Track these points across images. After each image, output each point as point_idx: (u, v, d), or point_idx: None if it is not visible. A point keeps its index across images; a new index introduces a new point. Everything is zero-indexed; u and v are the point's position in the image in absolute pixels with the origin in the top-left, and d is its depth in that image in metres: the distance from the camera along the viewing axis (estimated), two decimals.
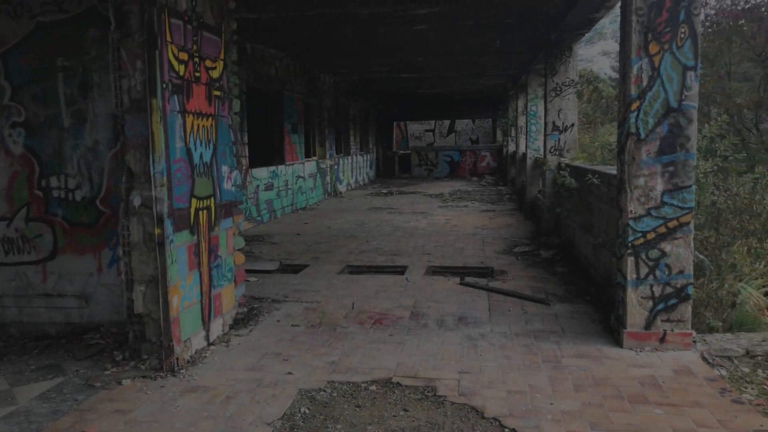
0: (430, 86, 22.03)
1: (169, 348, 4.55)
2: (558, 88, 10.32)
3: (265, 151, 14.44)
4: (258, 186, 12.89)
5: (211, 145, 5.12)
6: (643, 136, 4.75)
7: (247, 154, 12.32)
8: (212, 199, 5.16)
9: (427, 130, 33.58)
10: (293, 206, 15.14)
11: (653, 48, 4.67)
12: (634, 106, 4.74)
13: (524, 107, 17.44)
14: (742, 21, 8.36)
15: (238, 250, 5.88)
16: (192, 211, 4.80)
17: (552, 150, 10.35)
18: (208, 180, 5.07)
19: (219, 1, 5.22)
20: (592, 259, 7.28)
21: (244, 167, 12.00)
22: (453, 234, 10.78)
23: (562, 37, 9.80)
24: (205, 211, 5.02)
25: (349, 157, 21.51)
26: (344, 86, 20.50)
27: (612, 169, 6.88)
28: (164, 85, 4.35)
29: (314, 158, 17.26)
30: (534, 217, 12.75)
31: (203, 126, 4.97)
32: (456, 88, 22.89)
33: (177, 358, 4.58)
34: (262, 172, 13.18)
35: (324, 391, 4.11)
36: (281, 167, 14.37)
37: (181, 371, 4.54)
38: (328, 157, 18.38)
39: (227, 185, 5.47)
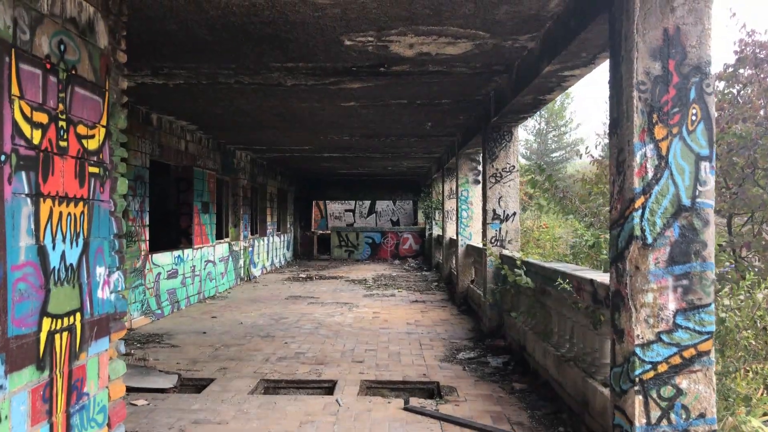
0: (353, 166, 21.22)
1: None
2: (498, 174, 9.52)
3: (171, 233, 12.85)
4: (159, 274, 11.23)
5: (81, 240, 3.72)
6: (650, 240, 3.76)
7: (148, 238, 10.74)
8: (78, 314, 3.70)
9: (347, 210, 32.66)
10: (201, 295, 13.44)
11: (660, 132, 3.77)
12: (639, 202, 3.78)
13: (451, 191, 16.79)
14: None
15: (117, 378, 4.36)
16: (43, 336, 3.33)
17: (493, 240, 9.42)
18: (72, 289, 3.63)
19: (102, 50, 3.96)
20: (555, 373, 6.19)
21: (143, 253, 10.40)
22: (385, 333, 9.50)
23: (503, 121, 9.08)
24: (65, 334, 3.55)
25: (266, 238, 20.05)
26: (262, 163, 19.30)
27: (580, 271, 5.91)
28: (3, 158, 2.98)
29: (227, 240, 15.73)
30: (470, 310, 11.71)
31: (70, 214, 3.58)
32: (378, 168, 22.21)
33: None
34: (164, 258, 11.55)
35: None
36: (188, 251, 12.76)
37: None
38: (242, 238, 16.88)
39: (103, 293, 4.03)
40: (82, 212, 3.73)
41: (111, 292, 4.14)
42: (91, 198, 3.83)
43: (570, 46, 5.24)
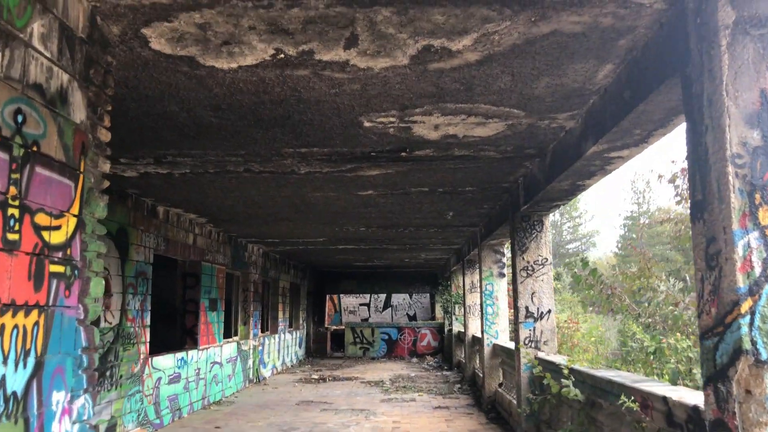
0: (368, 258, 20.49)
1: None
2: (530, 268, 8.69)
3: (175, 332, 11.99)
4: (160, 379, 10.28)
5: (32, 360, 2.92)
6: (764, 356, 2.90)
7: (149, 340, 9.89)
8: None
9: (362, 304, 31.57)
10: (205, 400, 12.38)
11: (766, 215, 2.99)
12: (745, 306, 2.94)
13: (472, 284, 15.91)
14: None
15: None
16: None
17: (527, 341, 8.47)
18: (14, 425, 2.80)
19: (78, 126, 3.31)
20: None
21: (141, 356, 9.52)
22: None
23: (534, 210, 8.36)
24: None
25: (277, 336, 19.04)
26: (275, 257, 18.63)
27: (645, 384, 4.96)
28: None
29: (235, 339, 14.79)
30: (499, 418, 10.56)
31: (17, 327, 2.81)
32: (395, 260, 21.46)
33: None
34: (166, 361, 10.63)
35: None
36: (193, 353, 11.84)
37: None
38: (251, 337, 15.92)
39: (60, 425, 3.18)
40: (36, 323, 2.95)
41: (73, 423, 3.29)
42: (50, 304, 3.06)
43: (623, 122, 4.56)
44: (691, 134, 3.41)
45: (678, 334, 5.59)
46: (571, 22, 3.76)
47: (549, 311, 8.59)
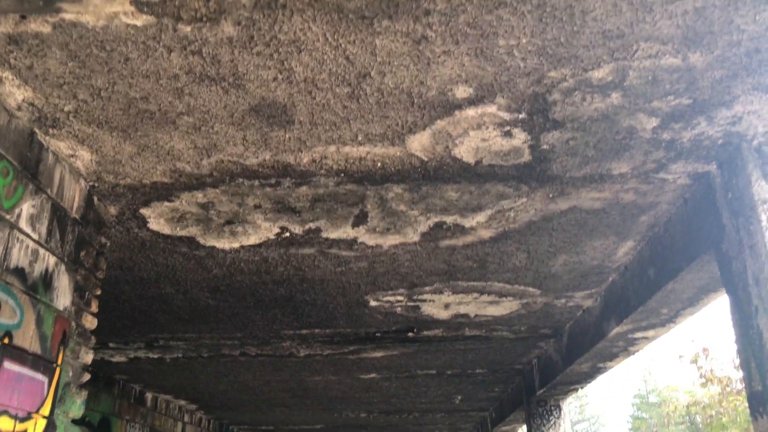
0: None
1: None
2: None
3: None
4: None
5: None
6: None
7: None
8: None
9: None
10: None
11: None
12: None
13: None
14: None
15: None
16: None
17: None
18: None
19: (60, 313, 2.99)
20: None
21: None
22: None
23: (551, 393, 7.79)
24: None
25: None
26: None
27: None
28: None
29: None
30: None
31: None
32: None
33: None
34: None
35: None
36: None
37: None
38: None
39: None
40: None
41: None
42: None
43: (649, 301, 4.27)
44: (737, 315, 3.09)
45: None
46: (591, 198, 3.60)
47: None
